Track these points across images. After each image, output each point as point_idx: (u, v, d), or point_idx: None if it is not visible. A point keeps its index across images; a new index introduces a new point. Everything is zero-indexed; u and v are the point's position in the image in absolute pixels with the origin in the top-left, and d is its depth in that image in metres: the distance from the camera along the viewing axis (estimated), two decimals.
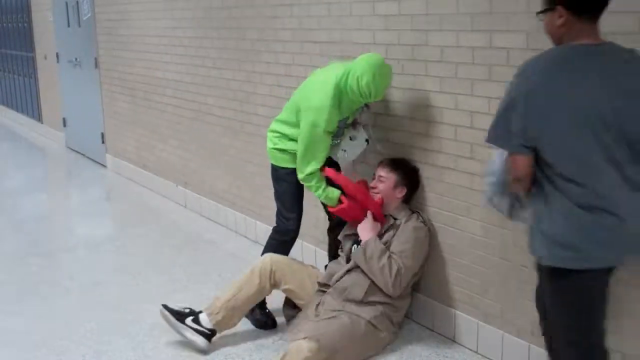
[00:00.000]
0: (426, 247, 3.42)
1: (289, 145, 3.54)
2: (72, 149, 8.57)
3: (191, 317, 3.37)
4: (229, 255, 4.78)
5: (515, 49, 2.93)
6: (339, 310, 3.28)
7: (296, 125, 3.48)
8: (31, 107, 10.09)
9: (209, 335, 3.36)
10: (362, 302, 3.29)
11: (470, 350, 3.37)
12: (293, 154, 3.51)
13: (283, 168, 3.60)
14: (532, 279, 3.02)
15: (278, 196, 3.69)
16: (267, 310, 3.69)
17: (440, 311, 3.52)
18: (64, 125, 8.67)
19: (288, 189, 3.62)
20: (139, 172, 6.77)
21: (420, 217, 3.43)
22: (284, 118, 3.60)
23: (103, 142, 7.58)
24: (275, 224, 3.72)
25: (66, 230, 5.68)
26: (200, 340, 3.34)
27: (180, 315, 3.39)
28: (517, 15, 2.91)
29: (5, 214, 5.99)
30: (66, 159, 8.35)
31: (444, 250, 3.45)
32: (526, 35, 2.88)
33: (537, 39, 2.83)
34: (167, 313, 3.40)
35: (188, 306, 3.46)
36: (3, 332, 3.67)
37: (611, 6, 2.56)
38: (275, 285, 3.49)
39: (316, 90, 3.40)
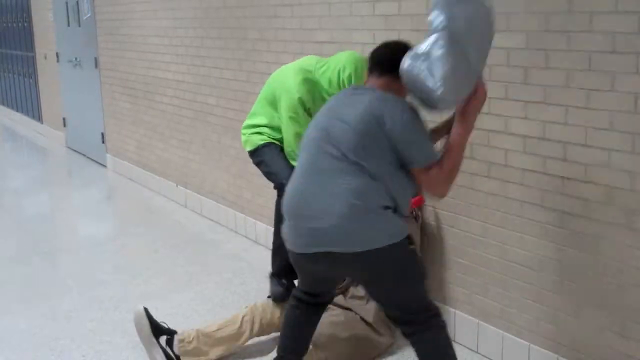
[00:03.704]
0: (416, 241, 3.42)
1: (264, 130, 3.53)
2: (72, 149, 8.57)
3: (166, 337, 3.18)
4: (230, 255, 4.79)
5: (515, 49, 2.94)
6: (339, 307, 3.30)
7: (269, 113, 3.51)
8: (31, 107, 10.09)
9: None
10: (366, 300, 3.31)
11: (470, 349, 3.38)
12: (268, 134, 3.52)
13: (260, 145, 3.54)
14: (532, 279, 3.03)
15: (269, 172, 3.54)
16: (284, 281, 3.57)
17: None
18: (64, 125, 8.68)
19: (272, 155, 3.50)
20: (139, 172, 6.78)
21: (413, 212, 3.43)
22: (255, 110, 3.61)
23: (103, 142, 7.58)
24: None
25: (67, 230, 5.69)
26: None
27: (157, 330, 3.18)
28: (517, 16, 2.91)
29: (6, 214, 5.99)
30: (66, 159, 8.35)
31: (443, 250, 3.45)
32: (526, 36, 2.89)
33: (537, 39, 2.84)
34: (145, 320, 3.16)
35: (165, 322, 3.27)
36: (4, 331, 3.68)
37: (612, 6, 2.58)
38: (261, 332, 3.35)
39: (289, 74, 3.44)
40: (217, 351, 3.23)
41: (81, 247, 5.07)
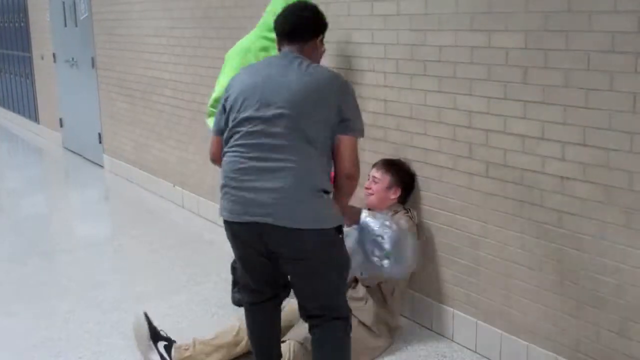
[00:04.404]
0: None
1: None
2: (69, 150, 8.55)
3: (165, 343, 3.17)
4: (228, 255, 4.71)
5: (514, 49, 2.93)
6: None
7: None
8: (28, 108, 10.08)
9: None
10: (364, 301, 3.28)
11: (469, 349, 3.38)
12: None
13: None
14: (531, 278, 3.03)
15: None
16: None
17: (438, 310, 3.52)
18: (61, 125, 8.66)
19: None
20: (136, 172, 6.76)
21: (409, 213, 3.43)
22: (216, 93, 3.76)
23: (100, 143, 7.57)
24: None
25: (64, 230, 5.67)
26: None
27: (155, 335, 3.17)
28: (516, 15, 2.91)
29: (3, 215, 5.98)
30: (63, 160, 8.34)
31: (442, 250, 3.45)
32: (525, 35, 2.88)
33: (536, 38, 2.84)
34: (144, 324, 3.14)
35: (164, 331, 3.24)
36: (1, 332, 3.66)
37: (611, 6, 2.57)
38: None
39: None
40: (215, 358, 3.19)
41: (79, 247, 5.06)
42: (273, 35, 3.39)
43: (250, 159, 2.54)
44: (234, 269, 3.99)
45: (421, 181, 3.51)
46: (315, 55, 2.83)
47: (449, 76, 3.25)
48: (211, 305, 3.94)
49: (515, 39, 2.92)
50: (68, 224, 5.87)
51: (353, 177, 2.61)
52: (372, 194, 3.46)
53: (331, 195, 2.60)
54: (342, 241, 2.68)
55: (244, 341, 3.23)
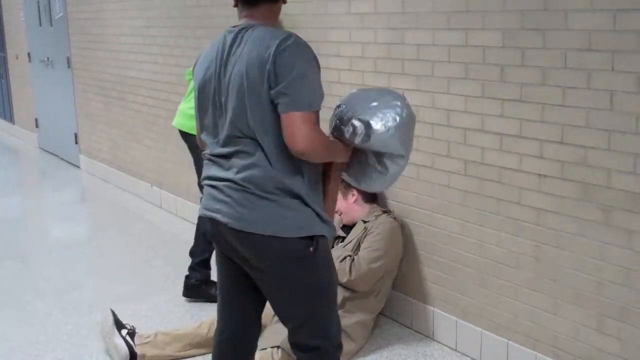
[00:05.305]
0: (398, 241, 3.41)
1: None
2: (44, 150, 8.46)
3: (127, 331, 3.29)
4: None
5: (491, 47, 2.94)
6: None
7: None
8: (3, 108, 9.96)
9: (133, 353, 3.21)
10: (342, 308, 3.26)
11: (449, 347, 3.38)
12: None
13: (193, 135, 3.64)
14: (510, 276, 3.04)
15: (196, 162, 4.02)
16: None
17: (418, 309, 3.52)
18: (37, 126, 8.57)
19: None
20: (113, 172, 6.71)
21: (391, 214, 3.42)
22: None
23: (76, 143, 7.50)
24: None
25: (40, 232, 5.60)
26: (123, 348, 3.20)
27: (119, 324, 3.30)
28: (493, 14, 2.92)
29: None
30: (39, 160, 8.25)
31: (421, 248, 3.45)
32: (502, 34, 2.89)
33: (513, 37, 2.84)
34: (110, 315, 3.33)
35: (132, 325, 3.37)
36: None
37: (587, 4, 2.58)
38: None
39: None
40: (174, 348, 3.28)
41: (55, 250, 5.00)
42: None
43: (211, 160, 2.31)
44: (191, 253, 4.07)
45: (400, 180, 3.50)
46: (275, 16, 2.36)
47: (427, 75, 3.25)
48: (190, 306, 3.92)
49: (493, 37, 2.93)
50: (44, 225, 5.80)
51: (305, 154, 2.11)
52: (341, 213, 3.50)
53: (295, 199, 2.18)
54: (316, 257, 2.20)
55: (204, 332, 3.30)
